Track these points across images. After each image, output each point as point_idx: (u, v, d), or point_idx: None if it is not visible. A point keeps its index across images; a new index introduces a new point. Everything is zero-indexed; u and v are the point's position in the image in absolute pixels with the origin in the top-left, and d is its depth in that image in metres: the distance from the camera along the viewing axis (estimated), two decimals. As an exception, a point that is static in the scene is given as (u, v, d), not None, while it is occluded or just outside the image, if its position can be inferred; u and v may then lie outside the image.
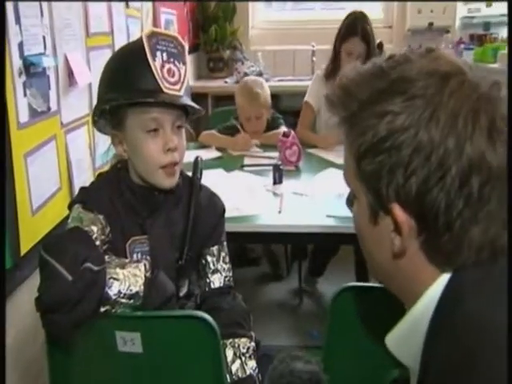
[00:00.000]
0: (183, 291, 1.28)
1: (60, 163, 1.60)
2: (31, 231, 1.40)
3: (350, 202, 0.78)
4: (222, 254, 1.32)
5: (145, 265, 1.11)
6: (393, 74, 0.68)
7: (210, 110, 3.62)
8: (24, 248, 1.35)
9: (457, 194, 0.64)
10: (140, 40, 1.12)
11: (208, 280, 1.31)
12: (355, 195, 0.75)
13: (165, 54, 1.12)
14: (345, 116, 0.71)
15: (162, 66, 1.12)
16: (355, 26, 2.54)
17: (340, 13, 4.11)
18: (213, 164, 2.37)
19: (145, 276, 1.09)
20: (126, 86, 1.12)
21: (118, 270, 1.07)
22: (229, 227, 1.40)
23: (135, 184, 1.22)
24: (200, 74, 4.05)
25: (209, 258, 1.31)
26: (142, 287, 1.08)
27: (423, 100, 0.64)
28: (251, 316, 1.31)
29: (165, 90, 1.12)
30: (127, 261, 1.12)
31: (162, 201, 1.23)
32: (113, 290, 1.04)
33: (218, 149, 2.61)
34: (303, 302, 2.79)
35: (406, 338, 0.73)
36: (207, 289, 1.31)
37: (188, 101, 1.18)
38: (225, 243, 1.35)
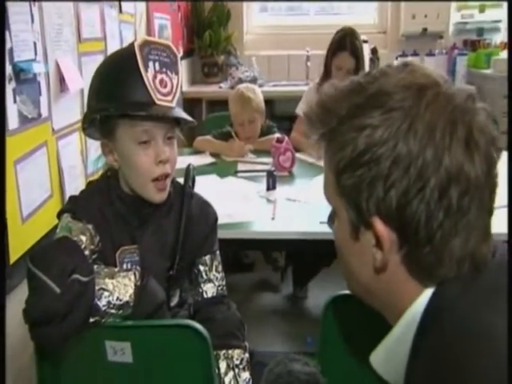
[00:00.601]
0: (174, 301, 1.27)
1: (51, 170, 1.59)
2: (21, 239, 1.39)
3: (332, 218, 0.77)
4: (215, 263, 1.31)
5: (135, 273, 1.09)
6: (370, 88, 0.68)
7: (204, 115, 3.63)
8: (13, 256, 1.34)
9: (436, 206, 0.64)
10: (132, 48, 1.10)
11: (201, 290, 1.30)
12: (335, 212, 0.74)
13: (157, 64, 1.11)
14: (323, 132, 0.71)
15: (155, 77, 1.10)
16: (344, 42, 2.60)
17: (334, 18, 4.15)
18: (206, 170, 2.37)
19: (135, 285, 1.08)
20: (118, 96, 1.11)
21: (107, 280, 1.05)
22: (221, 234, 1.38)
23: (125, 193, 1.21)
24: (194, 79, 4.05)
25: (201, 268, 1.30)
26: (133, 297, 1.07)
27: (401, 112, 0.64)
28: (245, 326, 1.30)
29: (157, 102, 1.10)
30: (117, 270, 1.11)
31: (153, 210, 1.22)
32: (102, 301, 1.03)
33: (213, 154, 2.61)
34: (298, 308, 2.78)
35: (390, 356, 0.72)
36: (200, 298, 1.30)
37: (180, 113, 1.16)
38: (217, 252, 1.33)
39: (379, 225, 0.66)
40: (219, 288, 1.31)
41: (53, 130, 1.59)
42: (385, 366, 0.73)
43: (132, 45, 1.10)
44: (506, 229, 0.67)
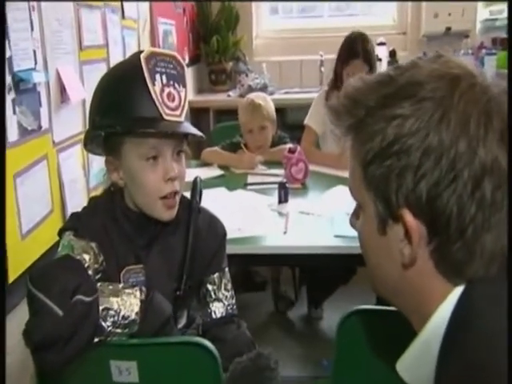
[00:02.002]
0: (182, 322, 1.30)
1: (52, 184, 1.63)
2: (21, 256, 1.42)
3: (356, 214, 0.81)
4: (224, 282, 1.34)
5: (140, 289, 1.12)
6: (401, 79, 0.72)
7: (211, 126, 3.66)
8: (13, 274, 1.37)
9: (469, 198, 0.67)
10: (137, 61, 1.12)
11: (209, 310, 1.32)
12: (361, 206, 0.77)
13: (164, 77, 1.13)
14: (351, 123, 0.75)
15: (162, 91, 1.13)
16: (356, 48, 2.61)
17: (350, 20, 4.19)
18: (215, 182, 2.40)
19: (140, 301, 1.11)
20: (124, 112, 1.13)
21: (111, 298, 1.08)
22: (230, 249, 1.41)
23: (131, 210, 1.23)
24: (201, 87, 4.10)
25: (209, 287, 1.32)
26: (139, 314, 1.10)
27: (433, 102, 0.68)
28: (256, 346, 1.32)
29: (165, 117, 1.13)
30: (121, 286, 1.13)
31: (160, 229, 1.25)
32: (107, 321, 1.06)
33: (221, 167, 2.65)
34: (313, 329, 2.79)
35: (417, 363, 0.74)
36: (209, 319, 1.32)
37: (189, 128, 1.19)
38: (226, 269, 1.36)
39: (408, 217, 0.69)
40: (229, 307, 1.33)
41: (53, 142, 1.63)
42: (412, 372, 0.75)
43: (137, 56, 1.13)
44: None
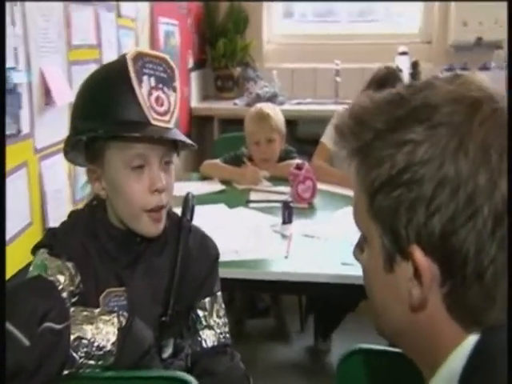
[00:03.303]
0: (167, 352, 1.24)
1: (32, 194, 1.61)
2: (-9, 273, 1.40)
3: (360, 246, 0.78)
4: (216, 307, 1.30)
5: (118, 316, 1.09)
6: (414, 100, 0.69)
7: (215, 136, 3.66)
8: (-18, 293, 1.35)
9: (489, 237, 0.64)
10: (123, 61, 1.11)
11: (200, 338, 1.28)
12: (366, 239, 0.74)
13: (152, 79, 1.12)
14: (356, 147, 0.72)
15: (150, 94, 1.11)
16: (386, 83, 2.56)
17: (369, 26, 4.17)
18: (214, 198, 2.39)
19: (118, 329, 1.07)
20: (107, 116, 1.11)
21: (85, 326, 1.04)
22: (224, 272, 1.38)
23: (113, 226, 1.20)
24: (206, 93, 4.09)
25: (200, 313, 1.29)
26: (116, 344, 1.06)
27: (449, 128, 0.65)
28: (251, 380, 1.28)
29: (152, 122, 1.11)
30: (97, 312, 1.09)
31: (145, 247, 1.22)
32: (79, 352, 1.02)
33: (223, 181, 2.63)
34: (319, 362, 2.75)
35: None
36: (199, 348, 1.28)
37: (179, 135, 1.17)
38: (219, 294, 1.33)
39: (419, 254, 0.66)
40: (221, 336, 1.30)
41: (35, 148, 1.62)
42: None
43: (123, 57, 1.11)
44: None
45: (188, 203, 1.29)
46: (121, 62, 1.12)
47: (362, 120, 0.71)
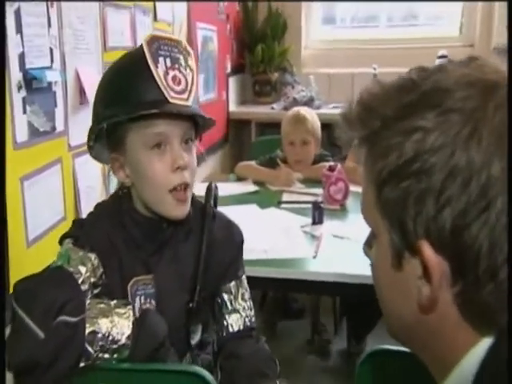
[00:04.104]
0: (196, 338, 1.25)
1: (65, 190, 1.62)
2: (25, 264, 1.41)
3: (369, 243, 0.74)
4: (241, 291, 1.30)
5: (133, 309, 1.09)
6: (424, 85, 0.64)
7: (253, 139, 3.66)
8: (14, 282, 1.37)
9: (503, 233, 0.58)
10: (139, 47, 1.12)
11: (225, 322, 1.28)
12: (375, 234, 0.70)
13: (168, 60, 1.12)
14: (364, 135, 0.67)
15: (166, 73, 1.11)
16: None
17: (410, 30, 4.09)
18: (247, 198, 2.39)
19: (133, 323, 1.07)
20: (126, 99, 1.12)
21: (100, 319, 1.04)
22: (253, 271, 1.39)
23: (140, 214, 1.20)
24: (244, 98, 4.09)
25: (225, 297, 1.28)
26: (131, 338, 1.06)
27: (461, 114, 0.60)
28: (277, 362, 1.26)
29: (170, 100, 1.11)
30: (112, 304, 1.09)
31: (171, 235, 1.22)
32: (94, 346, 1.02)
33: (256, 182, 2.62)
34: (352, 366, 2.69)
35: None
36: (225, 333, 1.28)
37: (197, 110, 1.17)
38: (244, 277, 1.32)
39: (428, 250, 0.61)
40: (246, 319, 1.29)
41: (69, 145, 1.63)
42: None
43: (140, 45, 1.13)
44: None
45: (211, 191, 1.29)
46: (137, 48, 1.14)
47: (371, 107, 0.66)
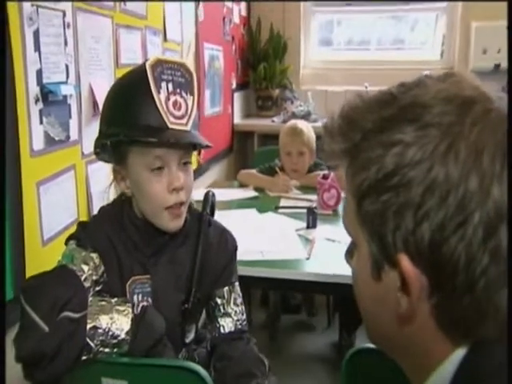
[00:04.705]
0: (190, 337, 1.22)
1: (78, 194, 1.60)
2: (40, 262, 1.38)
3: (350, 253, 0.69)
4: (233, 296, 1.27)
5: (132, 307, 1.06)
6: (403, 99, 0.59)
7: (255, 149, 3.65)
8: (30, 279, 1.34)
9: (480, 247, 0.54)
10: (143, 69, 1.08)
11: (218, 324, 1.25)
12: (355, 244, 0.65)
13: (170, 85, 1.08)
14: (345, 148, 0.62)
15: (168, 99, 1.07)
16: None
17: (397, 54, 4.09)
18: (247, 204, 2.36)
19: (132, 319, 1.04)
20: (128, 121, 1.08)
21: (101, 315, 1.02)
22: (249, 271, 1.37)
23: (139, 220, 1.18)
24: (248, 112, 4.08)
25: (218, 301, 1.26)
26: (130, 333, 1.03)
27: (439, 129, 0.55)
28: (267, 362, 1.22)
29: (170, 126, 1.07)
30: (113, 301, 1.06)
31: (168, 239, 1.19)
32: (95, 340, 1.00)
33: (257, 189, 2.60)
34: (342, 356, 2.65)
35: None
36: (217, 334, 1.25)
37: (195, 137, 1.13)
38: (236, 284, 1.29)
39: (406, 263, 0.56)
40: (238, 322, 1.26)
41: (82, 153, 1.60)
42: None
43: (143, 67, 1.08)
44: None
45: (208, 200, 1.27)
46: (141, 69, 1.09)
47: (352, 119, 0.61)
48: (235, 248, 1.29)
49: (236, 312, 1.26)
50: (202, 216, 1.24)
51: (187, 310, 1.18)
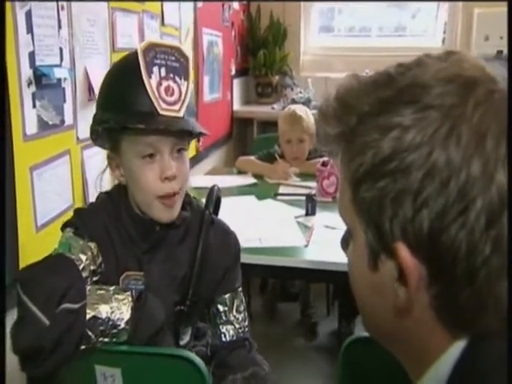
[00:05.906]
0: (185, 339, 1.17)
1: (74, 180, 1.57)
2: (33, 248, 1.36)
3: (346, 242, 0.65)
4: (236, 303, 1.21)
5: (132, 295, 1.02)
6: (401, 80, 0.55)
7: (255, 136, 3.62)
8: (23, 264, 1.31)
9: (482, 236, 0.51)
10: (135, 54, 1.03)
11: (219, 331, 1.21)
12: (351, 233, 0.61)
13: (163, 69, 1.03)
14: (340, 132, 0.58)
15: (160, 84, 1.02)
16: None
17: (397, 40, 4.04)
18: (246, 190, 2.33)
19: (132, 308, 1.00)
20: (119, 107, 1.04)
21: (100, 305, 0.98)
22: (248, 258, 1.32)
23: (135, 212, 1.13)
24: (248, 98, 4.04)
25: (220, 308, 1.20)
26: (129, 322, 0.99)
27: (440, 111, 0.52)
28: (267, 369, 1.18)
29: (161, 112, 1.02)
30: (112, 290, 1.02)
31: (165, 235, 1.14)
32: (94, 330, 0.96)
33: (256, 176, 2.56)
34: (341, 344, 2.64)
35: None
36: (218, 341, 1.21)
37: (189, 124, 1.07)
38: (239, 289, 1.23)
39: (404, 253, 0.53)
40: (240, 330, 1.21)
41: (77, 138, 1.57)
42: None
43: (136, 51, 1.04)
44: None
45: (212, 196, 1.20)
46: (133, 54, 1.05)
47: (347, 102, 0.57)
48: (238, 250, 1.24)
49: (238, 320, 1.21)
50: (203, 214, 1.17)
51: (182, 312, 1.13)
